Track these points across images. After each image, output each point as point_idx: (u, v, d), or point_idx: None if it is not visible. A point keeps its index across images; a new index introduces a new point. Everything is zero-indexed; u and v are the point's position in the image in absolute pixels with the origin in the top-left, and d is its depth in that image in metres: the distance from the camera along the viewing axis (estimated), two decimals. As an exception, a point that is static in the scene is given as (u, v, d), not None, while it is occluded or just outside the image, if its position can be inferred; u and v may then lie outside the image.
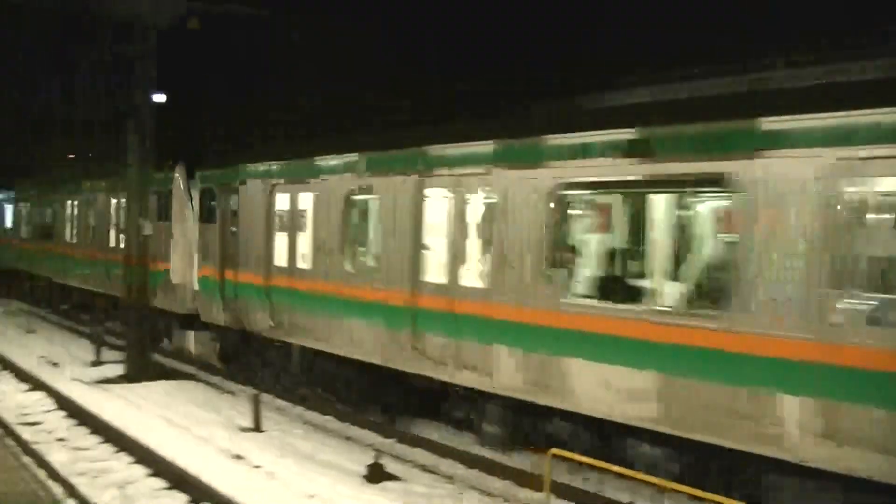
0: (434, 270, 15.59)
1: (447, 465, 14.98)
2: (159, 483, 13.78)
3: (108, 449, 15.88)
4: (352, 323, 17.27)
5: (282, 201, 19.84)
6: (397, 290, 16.05)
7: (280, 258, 19.70)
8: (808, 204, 10.01)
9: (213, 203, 22.42)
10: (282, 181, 19.74)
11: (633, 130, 12.14)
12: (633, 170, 12.22)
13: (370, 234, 18.02)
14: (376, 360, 16.68)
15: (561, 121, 13.86)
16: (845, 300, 9.89)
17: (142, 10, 21.27)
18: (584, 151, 12.91)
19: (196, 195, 23.07)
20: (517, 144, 14.08)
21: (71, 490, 12.96)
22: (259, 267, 20.10)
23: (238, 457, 14.78)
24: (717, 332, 10.81)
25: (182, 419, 17.23)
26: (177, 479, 13.62)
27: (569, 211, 14.24)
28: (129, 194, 22.06)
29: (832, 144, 9.84)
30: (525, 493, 13.48)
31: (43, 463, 14.31)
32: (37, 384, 20.76)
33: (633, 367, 11.82)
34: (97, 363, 23.20)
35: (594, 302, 12.97)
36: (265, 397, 18.19)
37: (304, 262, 19.02)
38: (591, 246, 14.35)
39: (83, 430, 17.16)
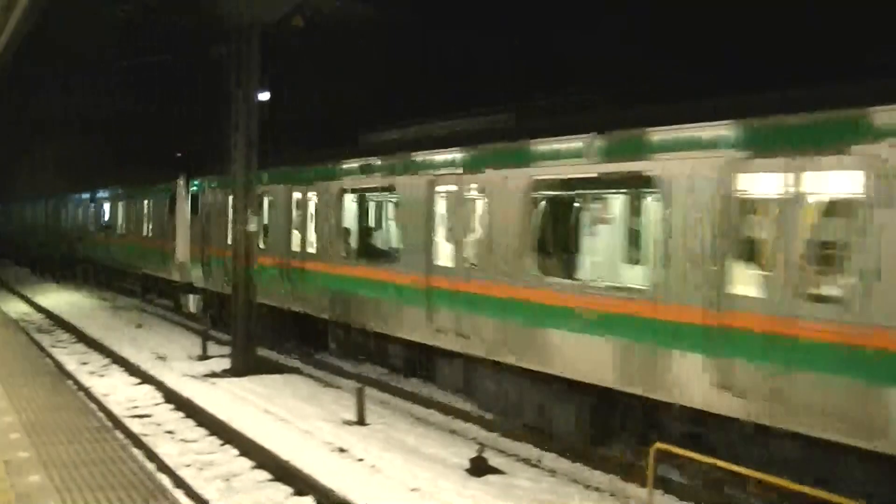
0: (296, 244, 24.01)
1: (550, 458, 14.83)
2: (264, 475, 13.90)
3: (214, 441, 16.08)
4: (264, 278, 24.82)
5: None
6: (279, 258, 24.61)
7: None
8: (427, 199, 18.10)
9: (198, 202, 31.11)
10: (226, 189, 27.10)
11: (364, 160, 20.83)
12: (366, 182, 21.19)
13: (270, 223, 26.06)
14: (274, 303, 24.72)
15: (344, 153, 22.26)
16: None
17: (249, 8, 21.37)
18: (351, 171, 21.49)
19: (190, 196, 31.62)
20: (318, 168, 22.96)
21: (178, 481, 13.16)
22: (220, 244, 27.95)
23: (341, 450, 14.86)
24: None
25: (286, 412, 17.38)
26: (281, 471, 13.72)
27: (346, 206, 22.58)
28: (234, 192, 22.27)
29: (432, 169, 18.09)
30: (630, 488, 13.31)
31: (151, 455, 14.55)
32: (146, 378, 21.13)
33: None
34: (204, 357, 23.55)
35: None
36: (369, 391, 18.23)
37: None
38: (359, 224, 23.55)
39: (190, 423, 17.41)
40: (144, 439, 15.61)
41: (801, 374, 10.82)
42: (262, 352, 23.10)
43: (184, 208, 31.69)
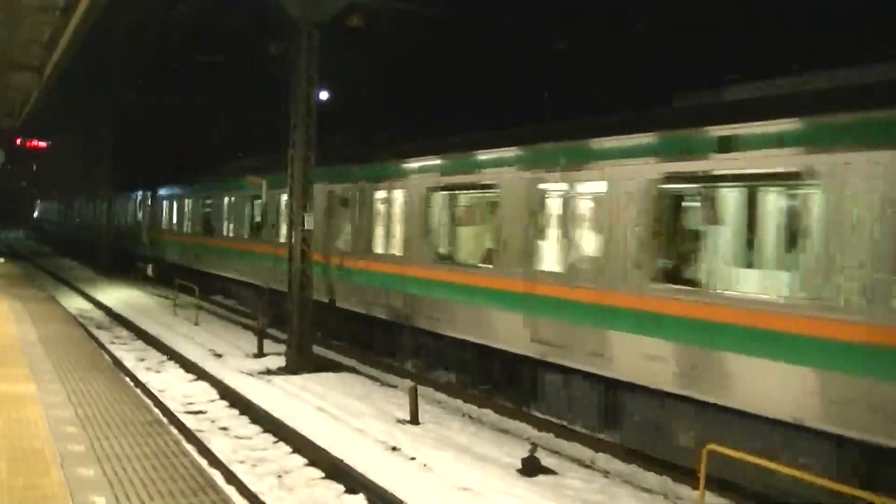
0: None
1: (603, 459, 14.76)
2: (316, 472, 13.94)
3: (267, 438, 16.16)
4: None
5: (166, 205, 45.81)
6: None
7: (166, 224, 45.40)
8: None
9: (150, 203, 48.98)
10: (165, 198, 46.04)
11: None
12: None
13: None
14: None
15: None
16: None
17: (305, 5, 21.40)
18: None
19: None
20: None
21: (230, 477, 13.23)
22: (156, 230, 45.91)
23: (394, 448, 14.87)
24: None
25: (340, 410, 17.42)
26: (333, 468, 13.75)
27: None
28: (292, 191, 22.31)
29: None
30: (682, 489, 13.20)
31: (205, 450, 14.63)
32: (202, 374, 21.29)
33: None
34: (259, 355, 23.68)
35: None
36: (423, 390, 18.22)
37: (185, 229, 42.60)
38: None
39: (244, 420, 17.51)
40: (198, 435, 15.72)
41: None
42: (318, 350, 23.19)
43: (146, 209, 50.16)
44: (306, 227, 22.17)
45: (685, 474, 13.30)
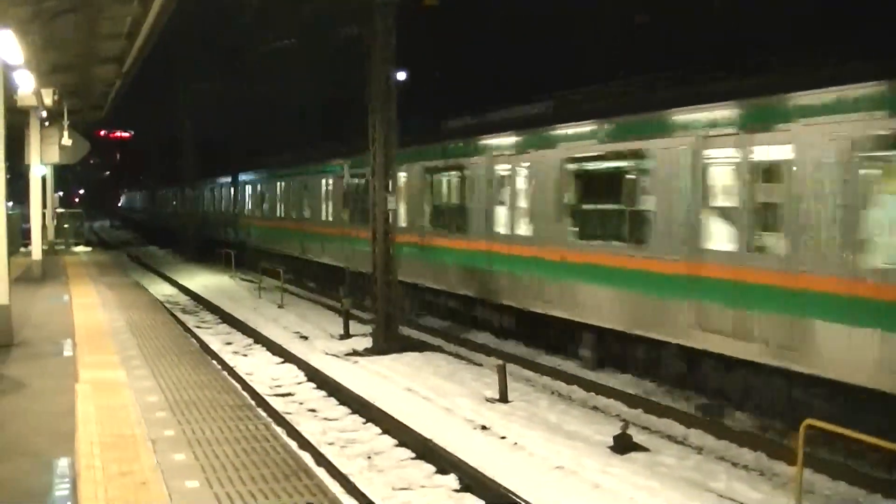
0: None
1: (696, 435, 14.45)
2: (406, 453, 13.85)
3: (356, 420, 16.10)
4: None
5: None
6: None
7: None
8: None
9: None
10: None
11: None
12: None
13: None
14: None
15: None
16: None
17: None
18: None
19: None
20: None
21: (320, 459, 13.18)
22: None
23: (483, 427, 14.72)
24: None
25: (428, 391, 17.31)
26: (423, 449, 13.64)
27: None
28: (374, 171, 22.22)
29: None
30: (778, 466, 12.88)
31: (294, 433, 14.62)
32: (288, 357, 21.33)
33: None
34: (345, 336, 23.67)
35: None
36: (511, 367, 18.02)
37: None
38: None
39: (332, 402, 17.48)
40: (287, 417, 15.73)
41: None
42: (404, 330, 23.14)
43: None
44: (389, 207, 22.07)
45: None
